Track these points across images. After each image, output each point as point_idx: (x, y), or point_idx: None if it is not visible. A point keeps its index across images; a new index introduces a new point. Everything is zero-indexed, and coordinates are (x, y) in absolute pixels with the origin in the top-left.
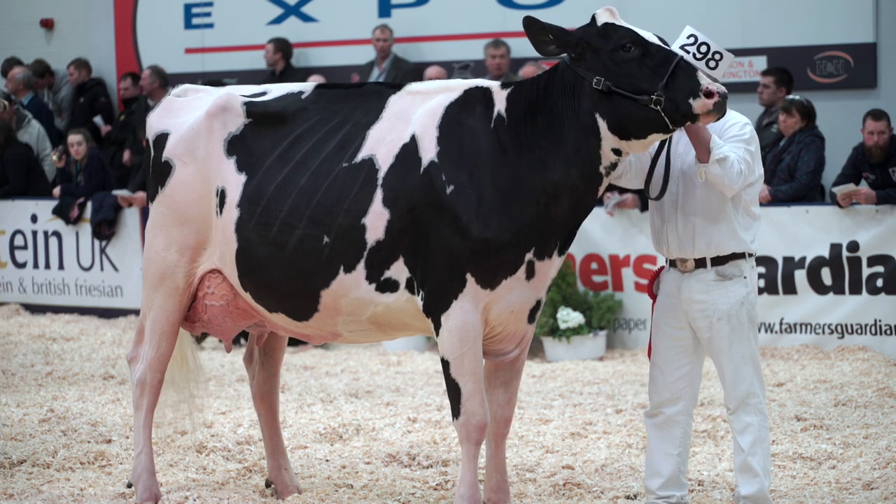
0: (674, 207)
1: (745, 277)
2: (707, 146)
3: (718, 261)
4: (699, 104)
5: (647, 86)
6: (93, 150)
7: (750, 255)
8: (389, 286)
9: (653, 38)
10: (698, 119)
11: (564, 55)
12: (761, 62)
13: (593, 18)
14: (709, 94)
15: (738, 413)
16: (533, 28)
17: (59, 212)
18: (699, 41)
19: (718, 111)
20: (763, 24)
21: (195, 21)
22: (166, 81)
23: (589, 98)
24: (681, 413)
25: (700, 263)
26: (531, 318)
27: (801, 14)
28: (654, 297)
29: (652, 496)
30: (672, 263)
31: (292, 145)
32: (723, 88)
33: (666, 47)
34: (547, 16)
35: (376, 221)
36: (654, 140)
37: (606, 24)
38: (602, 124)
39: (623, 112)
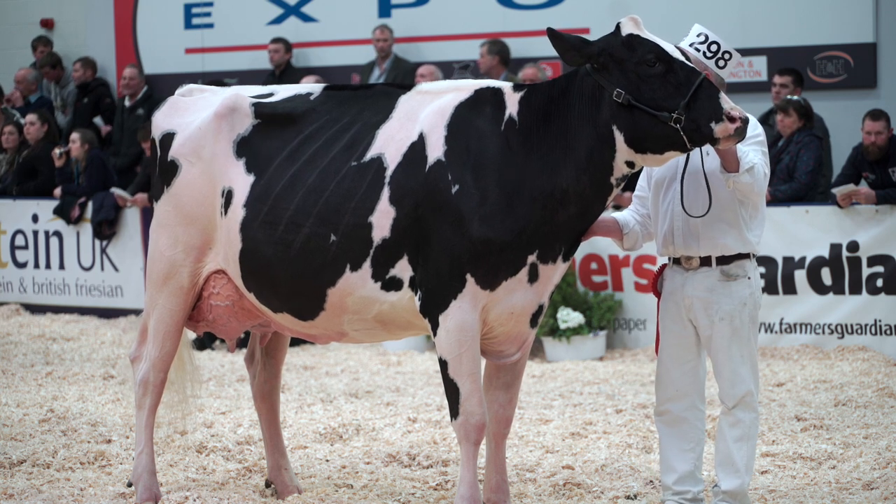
0: (681, 207)
1: (748, 278)
2: (735, 156)
3: (724, 260)
4: (720, 128)
5: (668, 103)
6: (94, 150)
7: (754, 255)
8: (394, 285)
9: (676, 53)
10: (718, 143)
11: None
12: (761, 62)
13: (618, 27)
14: (731, 119)
15: (734, 410)
16: (557, 40)
17: (60, 212)
18: (710, 40)
19: (739, 136)
20: (763, 24)
21: (195, 21)
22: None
23: (607, 108)
24: (688, 409)
25: (705, 262)
26: (534, 322)
27: (801, 14)
28: (658, 294)
29: (668, 492)
30: (676, 261)
31: (301, 145)
32: (744, 113)
33: (690, 65)
34: (547, 16)
35: (383, 219)
36: (670, 157)
37: (631, 36)
38: (619, 136)
39: (641, 127)
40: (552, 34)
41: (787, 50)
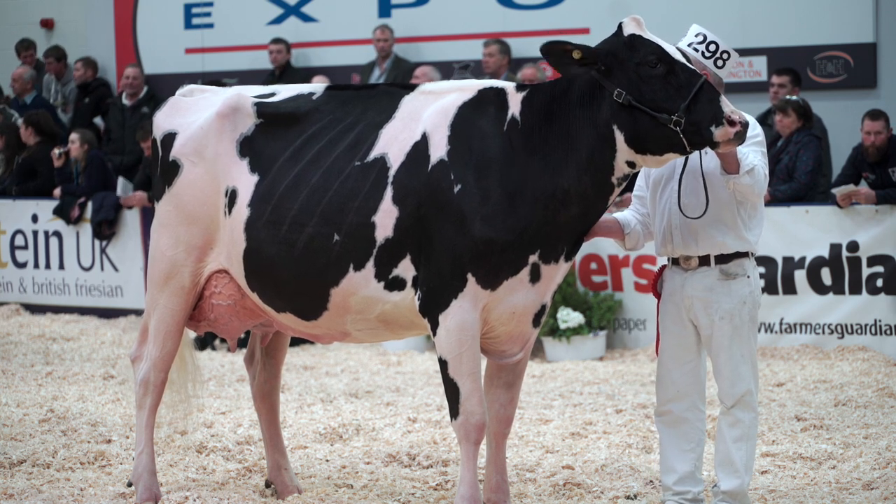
0: (679, 206)
1: (748, 277)
2: (735, 158)
3: (722, 259)
4: (720, 132)
5: (668, 105)
6: (93, 150)
7: (753, 254)
8: (397, 284)
9: (677, 55)
10: (718, 146)
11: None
12: (761, 62)
13: (619, 28)
14: (731, 123)
15: (733, 410)
16: (554, 54)
17: (60, 212)
18: (708, 40)
19: (739, 139)
20: (763, 24)
21: (195, 21)
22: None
23: (608, 109)
24: (689, 409)
25: (704, 261)
26: (536, 322)
27: (801, 14)
28: (658, 295)
29: (668, 492)
30: (675, 261)
31: (304, 145)
32: (744, 116)
33: (691, 67)
34: (547, 16)
35: (386, 219)
36: (670, 159)
37: (633, 36)
38: (619, 136)
39: (641, 127)
40: (548, 49)
41: (786, 50)
